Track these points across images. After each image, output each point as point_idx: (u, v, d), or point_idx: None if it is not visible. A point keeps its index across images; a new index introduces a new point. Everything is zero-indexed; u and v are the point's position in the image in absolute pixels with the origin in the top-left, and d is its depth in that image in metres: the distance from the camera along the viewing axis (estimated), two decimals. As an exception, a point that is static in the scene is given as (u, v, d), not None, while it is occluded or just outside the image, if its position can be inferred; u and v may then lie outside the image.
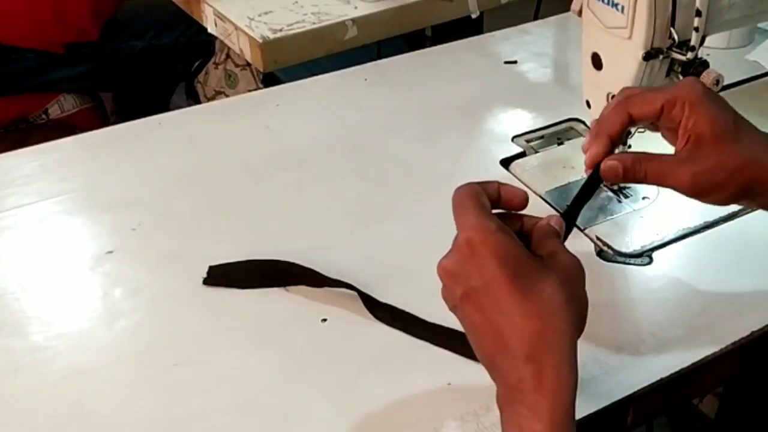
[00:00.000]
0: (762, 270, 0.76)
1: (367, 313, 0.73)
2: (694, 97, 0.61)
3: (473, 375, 0.66)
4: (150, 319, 0.74)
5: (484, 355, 0.55)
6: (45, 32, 1.62)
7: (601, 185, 0.86)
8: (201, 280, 0.77)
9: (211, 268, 0.76)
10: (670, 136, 0.65)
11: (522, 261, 0.54)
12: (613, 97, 0.74)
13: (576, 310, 0.54)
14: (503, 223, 0.55)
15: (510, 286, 0.52)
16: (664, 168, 0.62)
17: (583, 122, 0.98)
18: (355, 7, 1.30)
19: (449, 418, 0.63)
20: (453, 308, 0.57)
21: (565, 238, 0.60)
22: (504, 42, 1.19)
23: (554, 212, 0.84)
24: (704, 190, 0.62)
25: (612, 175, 0.63)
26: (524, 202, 0.59)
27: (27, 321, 0.74)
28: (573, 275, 0.55)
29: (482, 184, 0.59)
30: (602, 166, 0.63)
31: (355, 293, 0.73)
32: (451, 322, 0.70)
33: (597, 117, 0.78)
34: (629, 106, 0.63)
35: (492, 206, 0.58)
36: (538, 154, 0.94)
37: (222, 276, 0.76)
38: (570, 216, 0.63)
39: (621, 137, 0.64)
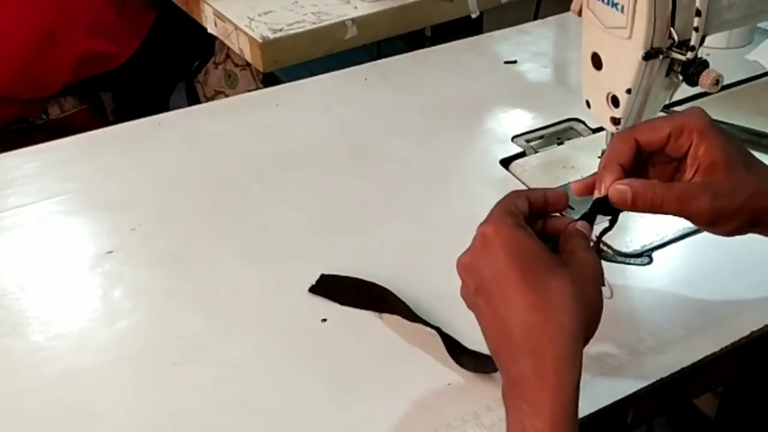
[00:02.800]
0: (761, 270, 0.76)
1: (367, 313, 0.72)
2: (702, 126, 0.60)
3: (473, 376, 0.66)
4: (150, 319, 0.74)
5: (491, 348, 0.56)
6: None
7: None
8: (201, 279, 0.77)
9: (322, 276, 0.75)
10: (665, 170, 0.63)
11: (533, 254, 0.54)
12: (613, 97, 0.74)
13: (584, 309, 0.54)
14: (523, 222, 0.56)
15: (518, 278, 0.53)
16: (685, 194, 0.59)
17: (583, 122, 0.98)
18: (355, 7, 1.29)
19: (449, 419, 0.63)
20: (470, 305, 0.58)
21: None
22: (504, 42, 1.19)
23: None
24: (723, 217, 0.60)
25: (620, 199, 0.59)
26: (566, 204, 0.61)
27: (27, 321, 0.74)
28: (587, 274, 0.55)
29: (529, 190, 0.61)
30: (610, 190, 0.60)
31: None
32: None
33: (596, 116, 0.78)
34: (636, 133, 0.61)
35: (540, 210, 0.59)
36: (538, 154, 0.94)
37: (328, 287, 0.75)
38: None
39: (631, 165, 0.61)
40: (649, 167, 0.64)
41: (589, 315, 0.54)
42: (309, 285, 0.76)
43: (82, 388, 0.67)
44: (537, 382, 0.51)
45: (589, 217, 0.61)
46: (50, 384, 0.67)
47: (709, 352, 0.68)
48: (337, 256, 0.79)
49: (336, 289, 0.74)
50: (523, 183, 0.88)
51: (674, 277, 0.77)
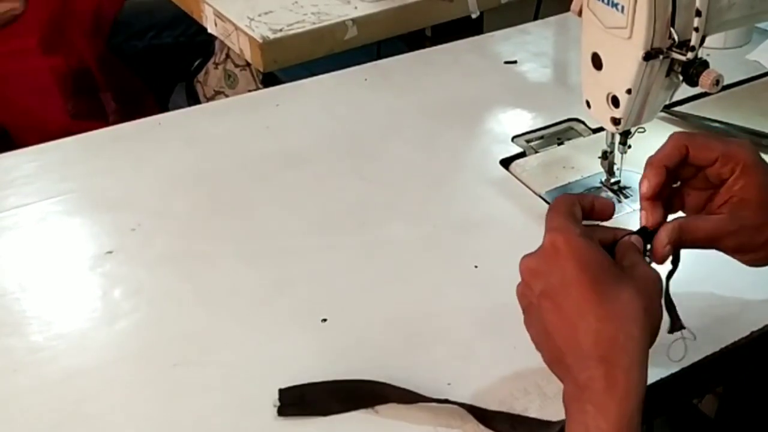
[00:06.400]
0: (762, 270, 0.75)
1: (367, 313, 0.72)
2: (750, 162, 0.62)
3: (473, 376, 0.66)
4: (150, 319, 0.74)
5: (554, 353, 0.57)
6: None
7: (601, 184, 0.87)
8: (201, 279, 0.77)
9: (281, 392, 0.65)
10: (699, 195, 0.65)
11: (602, 266, 0.56)
12: (613, 97, 0.74)
13: (650, 321, 0.56)
14: (589, 232, 0.58)
15: (588, 289, 0.55)
16: (709, 233, 0.63)
17: (583, 122, 0.98)
18: (355, 7, 1.29)
19: (449, 419, 0.63)
20: (527, 305, 0.59)
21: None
22: (504, 42, 1.19)
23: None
24: (746, 251, 0.64)
25: (668, 255, 0.63)
26: (612, 213, 0.63)
27: (27, 321, 0.74)
28: (650, 286, 0.57)
29: (578, 195, 0.62)
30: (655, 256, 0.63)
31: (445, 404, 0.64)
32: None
33: (596, 116, 0.78)
34: (690, 143, 0.63)
35: (584, 217, 0.61)
36: (538, 154, 0.94)
37: (297, 402, 0.64)
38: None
39: (677, 169, 0.63)
40: (684, 191, 0.66)
41: (653, 325, 0.56)
42: (309, 285, 0.76)
43: (82, 388, 0.67)
44: (606, 387, 0.53)
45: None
46: (50, 384, 0.67)
47: (709, 352, 0.68)
48: (337, 256, 0.79)
49: (309, 400, 0.64)
50: (523, 183, 0.88)
51: (674, 277, 0.77)
